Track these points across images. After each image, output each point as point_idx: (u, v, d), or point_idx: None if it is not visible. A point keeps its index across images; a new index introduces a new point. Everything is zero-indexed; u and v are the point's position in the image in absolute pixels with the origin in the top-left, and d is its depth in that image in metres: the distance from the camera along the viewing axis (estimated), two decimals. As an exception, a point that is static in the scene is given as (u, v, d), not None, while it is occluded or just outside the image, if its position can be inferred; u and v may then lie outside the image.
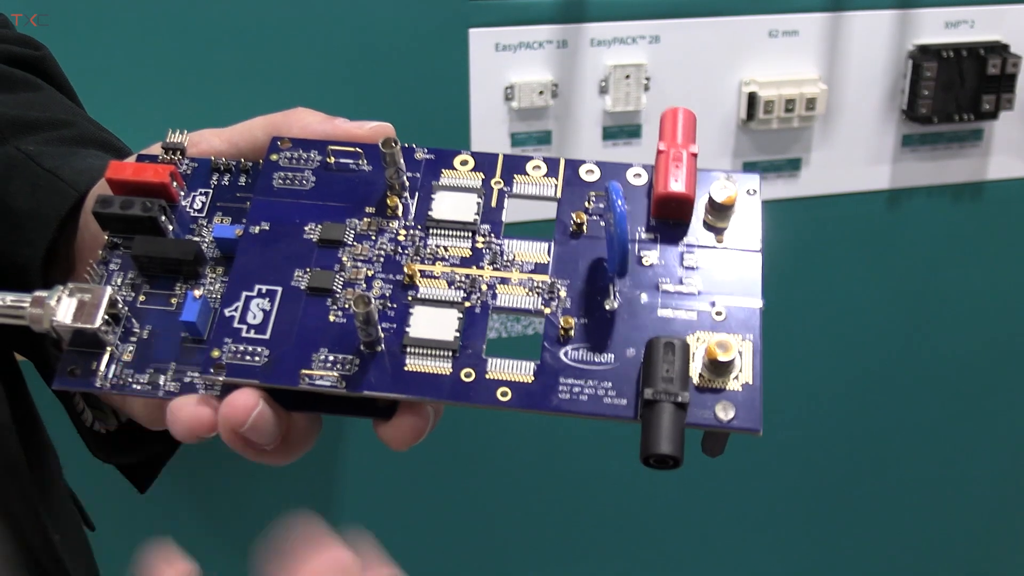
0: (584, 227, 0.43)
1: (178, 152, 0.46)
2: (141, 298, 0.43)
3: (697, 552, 1.23)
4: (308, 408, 0.42)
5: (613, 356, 0.40)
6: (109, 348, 0.41)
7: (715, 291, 0.41)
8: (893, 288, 1.13)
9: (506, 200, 0.44)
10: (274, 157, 0.45)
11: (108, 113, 0.63)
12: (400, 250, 0.42)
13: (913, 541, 1.29)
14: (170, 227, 0.44)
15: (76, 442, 0.52)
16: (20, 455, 0.46)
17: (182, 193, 0.45)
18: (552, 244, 0.43)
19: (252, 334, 0.41)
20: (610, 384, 0.39)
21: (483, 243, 0.43)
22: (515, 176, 0.44)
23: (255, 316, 0.41)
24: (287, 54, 0.89)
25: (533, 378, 0.40)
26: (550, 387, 0.39)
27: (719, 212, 0.43)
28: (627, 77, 0.97)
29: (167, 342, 0.42)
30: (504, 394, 0.39)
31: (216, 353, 0.40)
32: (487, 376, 0.40)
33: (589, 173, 0.44)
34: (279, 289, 0.42)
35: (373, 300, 0.39)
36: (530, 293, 0.41)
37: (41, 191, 0.49)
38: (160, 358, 0.42)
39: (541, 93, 0.95)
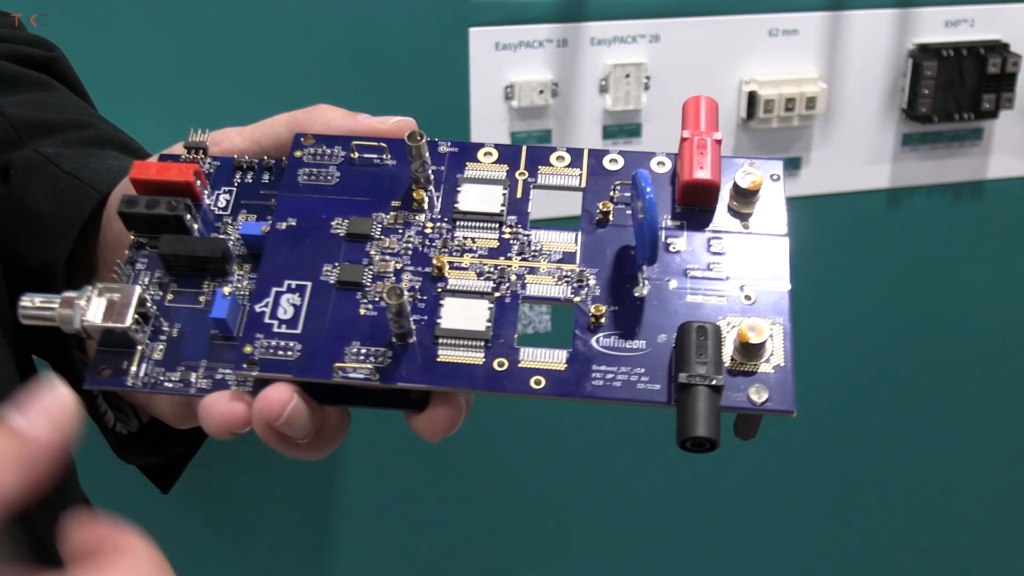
0: (610, 215, 0.43)
1: (200, 151, 0.46)
2: (169, 297, 0.43)
3: (698, 552, 1.23)
4: (340, 402, 0.42)
5: (645, 342, 0.40)
6: (139, 347, 0.41)
7: (743, 276, 0.41)
8: (893, 287, 1.13)
9: (531, 191, 0.44)
10: (298, 154, 0.45)
11: (108, 114, 0.62)
12: (428, 243, 0.43)
13: (912, 540, 1.29)
14: (195, 226, 0.44)
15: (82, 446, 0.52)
16: None
17: (206, 192, 0.45)
18: (579, 233, 0.43)
19: (283, 329, 0.41)
20: (643, 370, 0.39)
21: (510, 234, 0.43)
22: (539, 167, 0.44)
23: (286, 311, 0.41)
24: (287, 53, 0.89)
25: (566, 366, 0.40)
26: (583, 374, 0.39)
27: (744, 198, 0.43)
28: (627, 76, 0.97)
29: (197, 340, 0.42)
30: (538, 382, 0.39)
31: (248, 349, 0.40)
32: (520, 365, 0.40)
33: (613, 162, 0.44)
34: (308, 284, 0.42)
35: (405, 292, 0.39)
36: (559, 282, 0.42)
37: (62, 193, 0.49)
38: (190, 356, 0.42)
39: (541, 92, 0.95)
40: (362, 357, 0.40)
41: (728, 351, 0.40)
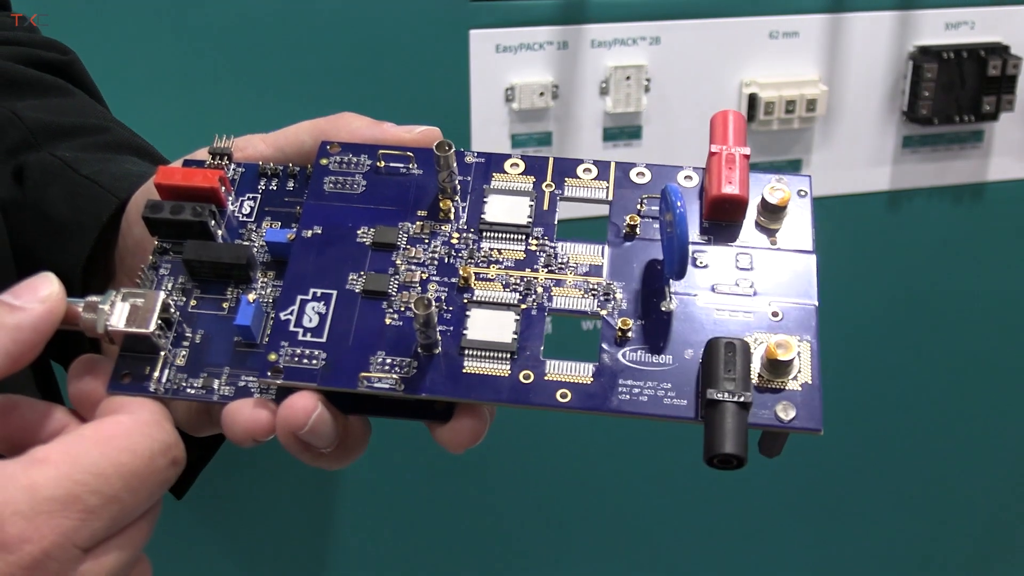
0: (637, 229, 0.43)
1: (225, 157, 0.46)
2: (192, 303, 0.43)
3: (698, 553, 1.23)
4: (364, 411, 0.41)
5: (671, 357, 0.40)
6: (162, 352, 0.41)
7: (770, 292, 0.41)
8: (893, 289, 1.14)
9: (558, 203, 0.44)
10: (324, 161, 0.45)
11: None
12: (454, 253, 0.42)
13: (911, 541, 1.29)
14: (219, 232, 0.44)
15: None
16: None
17: (230, 198, 0.45)
18: (606, 246, 0.43)
19: (308, 337, 0.41)
20: (670, 385, 0.39)
21: (536, 246, 0.43)
22: (566, 179, 0.44)
23: (311, 320, 0.41)
24: (288, 56, 0.89)
25: (592, 379, 0.40)
26: (610, 388, 0.39)
27: (772, 214, 0.43)
28: (628, 78, 0.97)
29: (220, 346, 0.42)
30: (564, 395, 0.39)
31: (273, 357, 0.40)
32: (546, 377, 0.40)
33: (640, 176, 0.44)
34: (334, 292, 0.42)
35: (433, 303, 0.39)
36: (585, 295, 0.42)
37: (80, 198, 0.49)
38: (213, 362, 0.41)
39: (542, 94, 0.95)
40: (387, 367, 0.40)
41: (756, 368, 0.39)
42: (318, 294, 0.42)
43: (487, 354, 0.40)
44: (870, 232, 1.09)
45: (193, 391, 0.41)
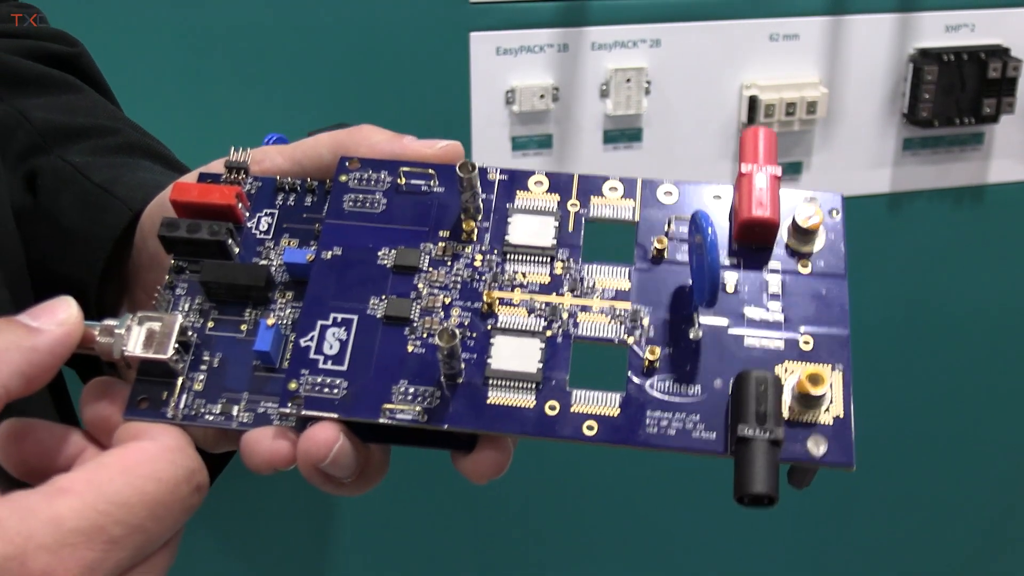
0: (665, 252, 0.42)
1: (242, 171, 0.44)
2: (210, 324, 0.42)
3: (698, 553, 1.23)
4: (384, 440, 0.41)
5: (700, 387, 0.39)
6: (180, 378, 0.40)
7: (801, 319, 0.40)
8: (893, 291, 1.13)
9: (583, 223, 0.43)
10: (343, 178, 0.43)
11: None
12: (477, 276, 0.41)
13: (910, 542, 1.29)
14: (236, 249, 0.43)
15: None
16: None
17: (247, 214, 0.44)
18: (633, 270, 0.42)
19: (329, 365, 0.40)
20: (698, 417, 0.38)
21: (562, 269, 0.42)
22: (591, 197, 0.43)
23: (331, 346, 0.40)
24: (289, 58, 0.88)
25: (619, 411, 0.39)
26: (637, 420, 0.38)
27: (803, 236, 0.42)
28: (628, 81, 0.96)
29: (238, 370, 0.41)
30: (590, 428, 0.38)
31: (293, 385, 0.39)
32: (572, 409, 0.39)
33: (667, 195, 0.43)
34: (355, 318, 0.41)
35: (458, 333, 0.38)
36: (612, 321, 0.40)
37: (92, 208, 0.48)
38: (232, 387, 0.40)
39: (542, 97, 0.94)
40: (410, 397, 0.39)
41: (786, 400, 0.39)
42: (338, 319, 0.41)
43: (511, 384, 0.39)
44: (871, 234, 1.09)
45: (211, 417, 0.40)
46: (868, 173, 1.06)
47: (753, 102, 0.99)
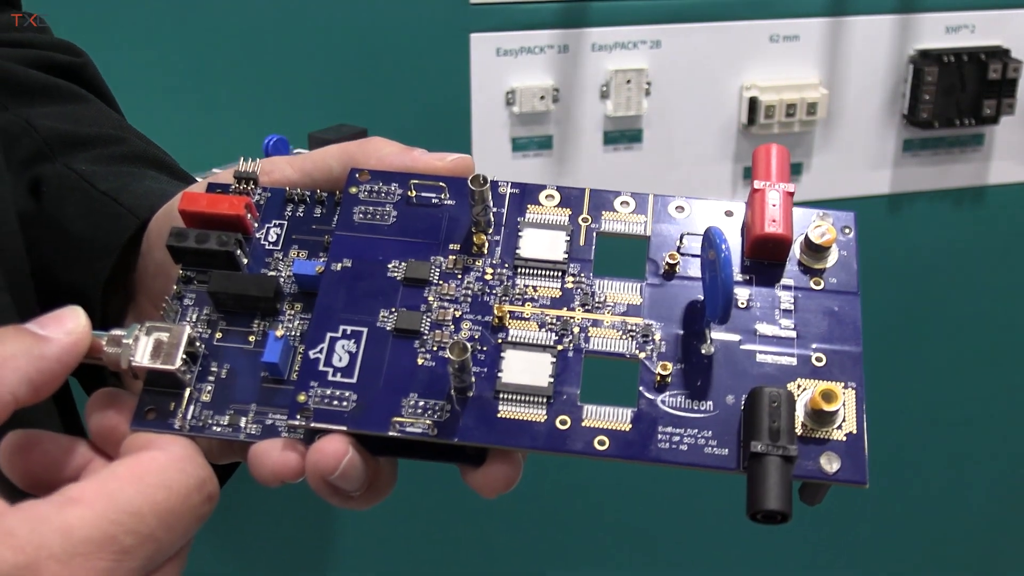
0: (676, 267, 0.42)
1: (251, 182, 0.44)
2: (218, 335, 0.41)
3: (697, 553, 1.22)
4: (393, 453, 0.40)
5: (712, 403, 0.39)
6: (188, 389, 0.40)
7: (814, 335, 0.40)
8: (894, 291, 1.13)
9: (595, 237, 0.42)
10: (353, 190, 0.43)
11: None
12: (488, 290, 0.41)
13: (909, 543, 1.29)
14: (245, 260, 0.42)
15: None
16: None
17: (255, 225, 0.43)
18: (644, 285, 0.41)
19: (338, 377, 0.39)
20: (710, 433, 0.38)
21: (573, 283, 0.41)
22: (603, 213, 0.43)
23: (340, 359, 0.40)
24: (289, 59, 0.88)
25: (631, 426, 0.38)
26: (648, 436, 0.38)
27: (816, 253, 0.41)
28: (628, 82, 0.96)
29: (246, 382, 0.40)
30: (602, 443, 0.38)
31: (302, 398, 0.39)
32: (583, 424, 0.38)
33: (679, 210, 0.43)
34: (364, 330, 0.40)
35: (469, 347, 0.38)
36: (623, 336, 0.40)
37: (98, 216, 0.48)
38: (240, 399, 0.40)
39: (542, 98, 0.94)
40: (420, 410, 0.39)
41: (799, 416, 0.38)
42: (348, 331, 0.40)
43: (522, 398, 0.39)
44: (871, 235, 1.09)
45: (219, 428, 0.40)
46: (868, 174, 1.07)
47: (753, 103, 0.99)
